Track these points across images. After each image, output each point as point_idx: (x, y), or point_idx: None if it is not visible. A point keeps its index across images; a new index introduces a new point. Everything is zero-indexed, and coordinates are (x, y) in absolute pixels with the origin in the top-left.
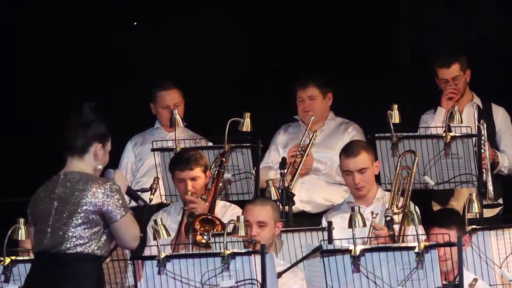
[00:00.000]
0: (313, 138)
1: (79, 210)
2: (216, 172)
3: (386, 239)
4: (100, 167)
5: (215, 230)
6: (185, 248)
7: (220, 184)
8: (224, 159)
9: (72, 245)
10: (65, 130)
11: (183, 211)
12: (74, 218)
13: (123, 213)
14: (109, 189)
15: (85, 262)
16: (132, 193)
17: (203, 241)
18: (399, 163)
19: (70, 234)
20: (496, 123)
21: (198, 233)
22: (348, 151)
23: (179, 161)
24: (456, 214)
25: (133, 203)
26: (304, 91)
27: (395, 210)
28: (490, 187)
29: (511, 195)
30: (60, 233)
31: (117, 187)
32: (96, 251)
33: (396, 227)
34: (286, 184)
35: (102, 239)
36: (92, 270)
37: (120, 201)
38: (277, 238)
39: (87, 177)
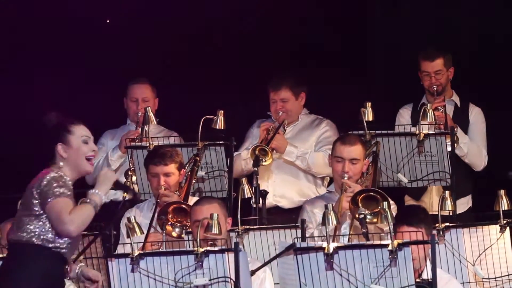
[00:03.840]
0: (283, 122)
1: (24, 200)
2: (190, 169)
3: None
4: (61, 164)
5: (188, 220)
6: (159, 244)
7: (194, 181)
8: (198, 158)
9: (22, 234)
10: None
11: (156, 205)
12: (24, 207)
13: (50, 199)
14: (47, 176)
15: (27, 253)
16: (121, 185)
17: (174, 234)
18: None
19: (18, 223)
20: (469, 118)
21: (170, 223)
22: (345, 139)
23: (155, 155)
24: (423, 212)
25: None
26: (276, 94)
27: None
28: None
29: (481, 193)
30: (16, 223)
31: (53, 175)
32: (40, 242)
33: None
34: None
35: (43, 229)
36: (33, 261)
37: (49, 187)
38: (228, 234)
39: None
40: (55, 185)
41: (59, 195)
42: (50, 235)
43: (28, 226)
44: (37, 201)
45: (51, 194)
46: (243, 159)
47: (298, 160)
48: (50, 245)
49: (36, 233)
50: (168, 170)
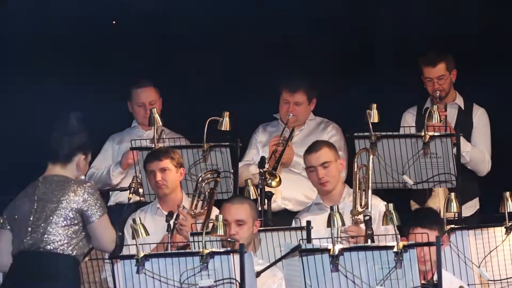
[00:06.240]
0: (292, 132)
1: (59, 208)
2: (210, 192)
3: (362, 238)
4: (82, 177)
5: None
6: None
7: (202, 185)
8: (218, 179)
9: (51, 243)
10: (50, 138)
11: (167, 225)
12: (55, 216)
13: (101, 213)
14: (89, 188)
15: (63, 263)
16: None
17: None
18: (355, 162)
19: (50, 231)
20: (473, 121)
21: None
22: (310, 148)
23: (150, 155)
24: (436, 214)
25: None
26: (292, 96)
27: (359, 209)
28: None
29: (488, 196)
30: (41, 231)
31: (96, 188)
32: (74, 253)
33: None
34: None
35: (80, 240)
36: (70, 272)
37: (99, 202)
38: (255, 236)
39: (67, 178)
40: (99, 202)
41: (104, 210)
42: (79, 246)
43: (62, 234)
44: (77, 213)
45: (98, 209)
46: (252, 173)
47: (304, 172)
48: (77, 256)
49: (73, 243)
50: (163, 165)
